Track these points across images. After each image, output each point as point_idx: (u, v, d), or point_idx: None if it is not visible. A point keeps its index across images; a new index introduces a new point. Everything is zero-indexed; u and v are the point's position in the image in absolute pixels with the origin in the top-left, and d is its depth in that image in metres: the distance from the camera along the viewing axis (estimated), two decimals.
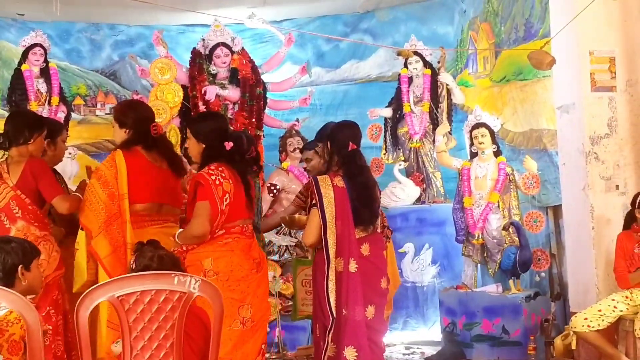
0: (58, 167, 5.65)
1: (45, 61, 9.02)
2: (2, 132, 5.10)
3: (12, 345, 3.46)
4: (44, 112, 8.69)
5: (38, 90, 8.89)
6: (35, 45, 8.94)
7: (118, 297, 3.37)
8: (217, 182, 4.51)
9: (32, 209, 4.87)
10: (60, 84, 9.15)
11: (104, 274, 4.67)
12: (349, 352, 4.74)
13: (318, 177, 4.97)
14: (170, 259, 3.89)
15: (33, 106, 8.65)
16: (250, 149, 5.81)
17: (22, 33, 9.52)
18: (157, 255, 3.86)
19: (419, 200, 8.83)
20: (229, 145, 4.70)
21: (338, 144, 5.05)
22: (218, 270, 4.49)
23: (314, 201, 4.94)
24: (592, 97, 6.68)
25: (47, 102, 8.88)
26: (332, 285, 4.77)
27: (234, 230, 4.60)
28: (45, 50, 9.01)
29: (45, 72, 9.00)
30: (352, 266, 4.82)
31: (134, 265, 3.87)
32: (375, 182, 5.18)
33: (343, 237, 4.83)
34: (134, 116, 5.07)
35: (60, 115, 8.85)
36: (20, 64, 8.97)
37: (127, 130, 5.01)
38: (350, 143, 5.02)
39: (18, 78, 8.91)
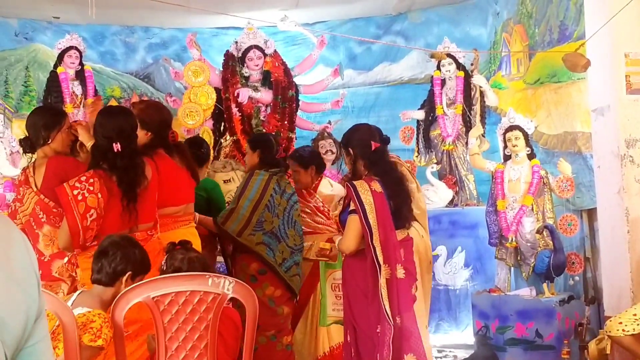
0: None
1: (81, 64, 9.09)
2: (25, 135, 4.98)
3: None
4: (79, 114, 8.78)
5: (73, 92, 8.97)
6: (70, 48, 9.02)
7: (153, 297, 3.40)
8: (80, 198, 4.23)
9: (58, 212, 4.73)
10: (95, 86, 9.24)
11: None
12: None
13: (355, 182, 4.83)
14: (200, 262, 3.90)
15: (68, 108, 8.74)
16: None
17: (58, 36, 9.61)
18: (187, 257, 3.88)
19: (451, 203, 8.80)
20: (116, 146, 4.36)
21: (360, 146, 4.94)
22: (84, 282, 4.29)
23: (352, 207, 4.79)
24: (628, 99, 6.61)
25: (82, 104, 8.96)
26: (385, 293, 4.64)
27: None
28: (80, 53, 9.08)
29: (80, 75, 9.08)
30: (400, 272, 4.72)
31: (164, 267, 3.89)
32: (405, 176, 5.12)
33: (387, 243, 4.71)
34: (159, 119, 4.98)
35: None
36: (55, 66, 9.06)
37: (148, 133, 4.88)
38: (372, 142, 4.93)
39: (54, 80, 9.00)
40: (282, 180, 5.74)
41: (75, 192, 4.25)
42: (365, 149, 4.92)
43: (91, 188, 4.27)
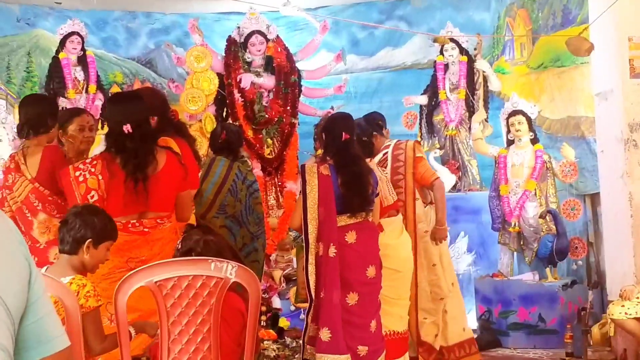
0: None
1: (83, 49, 9.08)
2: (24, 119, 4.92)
3: None
4: (82, 100, 8.79)
5: (75, 78, 8.96)
6: (72, 33, 9.01)
7: (156, 282, 3.40)
8: (81, 179, 4.21)
9: (53, 200, 4.70)
10: (97, 72, 9.22)
11: None
12: (324, 333, 4.92)
13: (306, 165, 5.19)
14: (215, 245, 3.90)
15: (71, 94, 8.76)
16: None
17: (60, 21, 9.58)
18: (202, 239, 3.88)
19: (454, 188, 8.78)
20: (126, 128, 4.28)
21: (332, 135, 5.21)
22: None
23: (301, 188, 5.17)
24: (631, 83, 6.59)
25: (84, 90, 8.96)
26: (311, 269, 5.00)
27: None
28: (82, 38, 9.07)
29: (82, 60, 9.07)
30: (331, 251, 4.98)
31: (179, 246, 3.90)
32: (370, 170, 5.26)
33: (325, 222, 5.01)
34: (157, 101, 4.95)
35: (98, 103, 8.88)
36: (57, 52, 9.05)
37: (153, 117, 4.77)
38: (344, 133, 5.15)
39: (56, 66, 8.99)
40: (243, 166, 5.82)
41: (77, 173, 4.24)
42: (336, 138, 5.18)
43: (93, 170, 4.25)
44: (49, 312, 1.60)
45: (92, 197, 4.21)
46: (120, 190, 4.24)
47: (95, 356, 3.60)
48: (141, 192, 4.25)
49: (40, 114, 4.85)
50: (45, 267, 3.75)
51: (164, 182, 4.36)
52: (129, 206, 4.27)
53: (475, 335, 7.40)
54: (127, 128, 4.28)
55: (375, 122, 6.32)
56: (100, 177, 4.24)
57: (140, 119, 4.39)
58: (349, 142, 5.18)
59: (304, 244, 5.14)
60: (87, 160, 4.34)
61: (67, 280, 3.51)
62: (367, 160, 5.58)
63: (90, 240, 3.65)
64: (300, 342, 6.77)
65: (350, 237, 5.06)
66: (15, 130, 5.33)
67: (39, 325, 1.56)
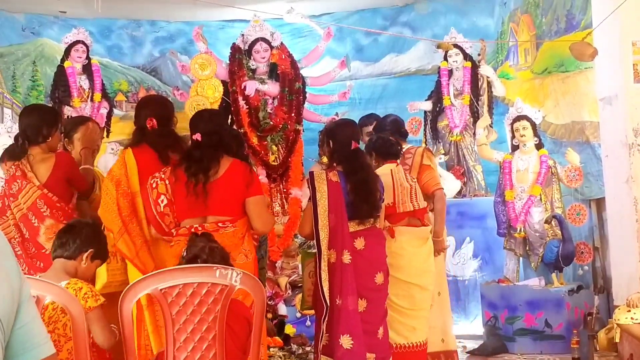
0: (100, 163, 5.68)
1: (87, 58, 9.10)
2: (20, 131, 4.97)
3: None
4: (87, 108, 8.80)
5: (81, 86, 8.98)
6: (77, 42, 9.03)
7: (161, 289, 3.41)
8: (154, 185, 4.51)
9: (61, 206, 4.82)
10: (102, 80, 9.24)
11: (135, 271, 4.53)
12: (345, 340, 4.88)
13: (315, 172, 5.18)
14: (220, 252, 3.92)
15: (76, 102, 8.77)
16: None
17: (64, 30, 9.62)
18: (208, 246, 3.91)
19: (459, 193, 8.77)
20: (195, 136, 4.61)
21: (340, 143, 5.21)
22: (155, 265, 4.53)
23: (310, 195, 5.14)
24: (635, 88, 6.59)
25: (89, 98, 8.98)
26: (325, 275, 4.95)
27: (181, 232, 4.47)
28: (87, 47, 9.09)
29: (87, 69, 9.09)
30: (346, 257, 4.98)
31: (184, 254, 3.93)
32: (377, 176, 5.28)
33: (336, 229, 4.99)
34: (142, 113, 4.98)
35: (103, 112, 8.94)
36: (62, 61, 9.07)
37: (135, 126, 4.98)
38: (353, 142, 5.18)
39: (61, 75, 9.01)
40: None
41: (152, 180, 4.54)
42: (345, 146, 5.19)
43: (163, 176, 4.52)
44: (34, 317, 1.59)
45: (162, 201, 4.49)
46: (183, 192, 4.46)
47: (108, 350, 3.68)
48: (201, 195, 4.45)
49: (34, 125, 4.91)
50: (37, 276, 3.80)
51: (224, 187, 4.52)
52: (192, 209, 4.48)
53: (481, 342, 7.43)
54: (196, 137, 4.57)
55: (398, 128, 6.39)
56: (167, 182, 4.51)
57: (211, 132, 4.60)
58: (357, 151, 5.21)
59: (315, 251, 5.12)
60: (163, 169, 4.59)
61: (63, 284, 3.56)
62: (394, 164, 5.65)
63: (92, 251, 3.72)
64: (307, 349, 6.80)
65: (359, 243, 5.06)
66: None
67: (25, 332, 1.54)
